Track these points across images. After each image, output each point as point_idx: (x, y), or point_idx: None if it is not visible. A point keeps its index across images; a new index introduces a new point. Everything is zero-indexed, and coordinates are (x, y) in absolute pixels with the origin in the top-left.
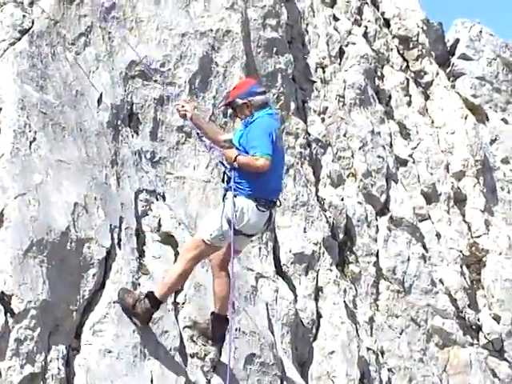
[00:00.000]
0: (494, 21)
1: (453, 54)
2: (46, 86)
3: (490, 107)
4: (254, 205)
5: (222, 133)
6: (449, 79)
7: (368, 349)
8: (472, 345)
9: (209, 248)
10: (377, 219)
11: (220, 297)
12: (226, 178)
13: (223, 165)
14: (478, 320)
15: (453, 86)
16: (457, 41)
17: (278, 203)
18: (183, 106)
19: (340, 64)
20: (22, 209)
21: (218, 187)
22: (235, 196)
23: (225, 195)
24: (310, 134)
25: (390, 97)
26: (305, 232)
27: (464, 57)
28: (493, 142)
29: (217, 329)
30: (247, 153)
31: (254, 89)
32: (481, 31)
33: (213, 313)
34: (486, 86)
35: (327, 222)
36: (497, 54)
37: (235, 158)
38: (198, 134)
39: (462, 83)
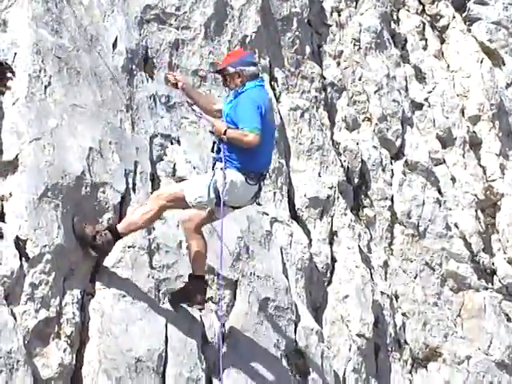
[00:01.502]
0: None
1: None
2: (60, 30)
3: (506, 52)
4: (244, 178)
5: (215, 102)
6: (465, 24)
7: (382, 293)
8: (486, 289)
9: (185, 205)
10: (392, 163)
11: (197, 257)
12: (215, 148)
13: (213, 134)
14: (493, 264)
15: (469, 31)
16: None
17: (266, 175)
18: (174, 75)
19: (356, 8)
20: (37, 153)
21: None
22: (225, 168)
23: (214, 164)
24: (325, 78)
25: (405, 40)
26: (319, 176)
27: (480, 1)
28: (508, 86)
29: (196, 290)
30: (235, 124)
31: (246, 58)
32: None
33: (190, 275)
34: (502, 31)
35: (342, 166)
36: None
37: (224, 131)
38: (187, 102)
39: (477, 28)
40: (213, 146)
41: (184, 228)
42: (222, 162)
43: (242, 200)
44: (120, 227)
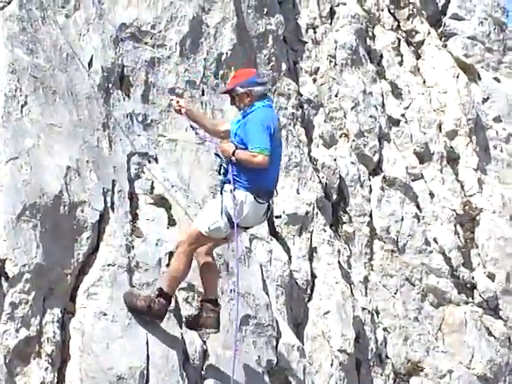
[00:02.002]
0: None
1: (444, 14)
2: (36, 49)
3: (482, 67)
4: (253, 197)
5: (221, 123)
6: (441, 39)
7: (363, 309)
8: (467, 303)
9: (206, 239)
10: (370, 179)
11: (209, 280)
12: (222, 170)
13: (219, 157)
14: (473, 278)
15: (445, 46)
16: (448, 0)
17: (275, 193)
18: (178, 102)
19: (331, 24)
20: (14, 173)
21: (210, 149)
22: (234, 189)
23: (222, 187)
24: (301, 95)
25: (381, 56)
26: (298, 193)
27: (455, 17)
28: (485, 100)
29: (209, 313)
30: (244, 144)
31: (255, 79)
32: None
33: (203, 299)
34: (478, 46)
35: (320, 182)
36: (488, 14)
37: (233, 152)
38: (191, 126)
39: (453, 43)
40: (219, 169)
41: (196, 252)
42: (230, 183)
43: (253, 220)
44: (166, 289)
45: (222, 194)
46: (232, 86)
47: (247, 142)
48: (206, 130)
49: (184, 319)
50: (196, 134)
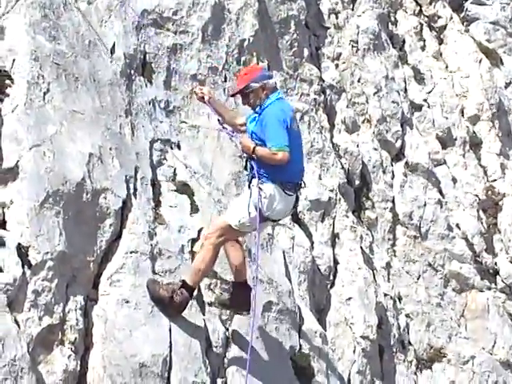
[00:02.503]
0: None
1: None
2: (58, 36)
3: (505, 52)
4: (281, 189)
5: (239, 116)
6: (462, 24)
7: (385, 295)
8: (489, 289)
9: (235, 232)
10: (392, 165)
11: (237, 264)
12: (248, 166)
13: (244, 152)
14: (496, 264)
15: (467, 31)
16: None
17: (302, 184)
18: (201, 89)
19: (353, 9)
20: (37, 160)
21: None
22: (261, 183)
23: (250, 182)
24: (323, 81)
25: (403, 41)
26: (320, 179)
27: (477, 1)
28: (507, 85)
29: (240, 296)
30: (261, 141)
31: (265, 72)
32: None
33: (233, 282)
34: (500, 31)
35: (342, 168)
36: None
37: (253, 149)
38: (218, 120)
39: (475, 28)
40: (246, 164)
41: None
42: (256, 178)
43: (282, 212)
44: (190, 281)
45: (249, 188)
46: (246, 83)
47: (265, 139)
48: (224, 120)
49: (215, 298)
50: (223, 127)
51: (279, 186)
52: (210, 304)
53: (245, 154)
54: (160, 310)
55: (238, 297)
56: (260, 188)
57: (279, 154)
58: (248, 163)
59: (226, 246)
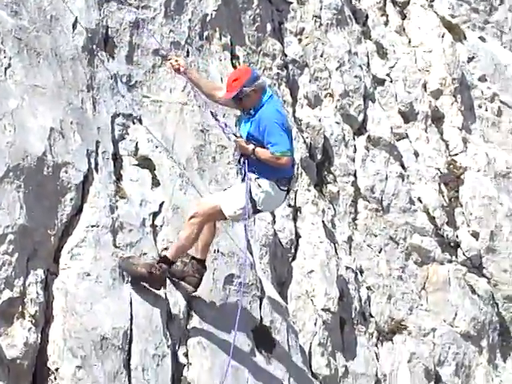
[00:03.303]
0: None
1: None
2: (20, 11)
3: (468, 27)
4: (276, 185)
5: (219, 89)
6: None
7: (347, 268)
8: (451, 262)
9: (222, 217)
10: (354, 139)
11: (204, 243)
12: (242, 160)
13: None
14: (457, 237)
15: (431, 6)
16: None
17: (294, 178)
18: (176, 61)
19: None
20: None
21: (195, 110)
22: (258, 178)
23: (244, 175)
24: (286, 55)
25: (366, 17)
26: None
27: None
28: (470, 60)
29: (193, 272)
30: (258, 141)
31: (254, 73)
32: None
33: (192, 257)
34: (464, 6)
35: (305, 142)
36: None
37: (252, 151)
38: (211, 112)
39: (440, 3)
40: (240, 158)
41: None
42: (253, 173)
43: (275, 205)
44: (170, 255)
45: (244, 181)
46: (238, 89)
47: (266, 143)
48: (202, 92)
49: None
50: (216, 120)
51: (274, 182)
52: (171, 276)
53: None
54: (121, 281)
55: (191, 272)
56: (258, 184)
57: (283, 159)
58: (242, 159)
59: (203, 223)
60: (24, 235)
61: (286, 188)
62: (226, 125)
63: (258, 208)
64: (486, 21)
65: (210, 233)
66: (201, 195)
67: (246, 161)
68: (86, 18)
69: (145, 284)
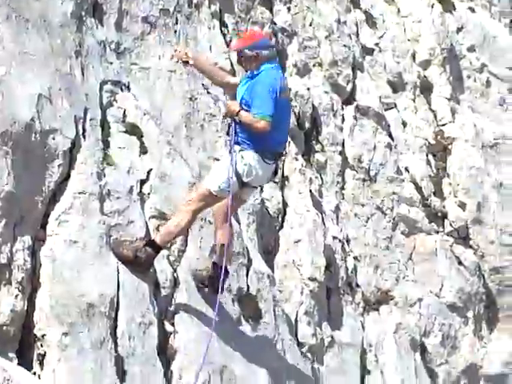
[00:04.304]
0: None
1: None
2: None
3: None
4: (261, 158)
5: (230, 76)
6: None
7: (334, 237)
8: (437, 232)
9: (214, 199)
10: (343, 108)
11: (220, 246)
12: (231, 132)
13: (226, 116)
14: (444, 207)
15: None
16: None
17: (284, 154)
18: (186, 54)
19: None
20: None
21: (184, 77)
22: (242, 150)
23: (231, 148)
24: (275, 24)
25: None
26: None
27: None
28: (459, 30)
29: (213, 278)
30: (249, 106)
31: (263, 42)
32: None
33: (213, 262)
34: None
35: (293, 111)
36: None
37: (237, 112)
38: (202, 84)
39: None
40: (228, 129)
41: (214, 218)
42: (239, 144)
43: (261, 179)
44: (158, 240)
45: (231, 153)
46: (240, 47)
47: (252, 106)
48: (213, 81)
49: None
50: (207, 92)
51: (259, 155)
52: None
53: (229, 118)
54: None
55: (215, 278)
56: (242, 156)
57: (261, 122)
58: (231, 128)
59: (216, 227)
60: (11, 202)
61: (272, 162)
62: (217, 97)
63: (244, 181)
64: None
65: (224, 235)
66: (187, 163)
67: (234, 127)
68: None
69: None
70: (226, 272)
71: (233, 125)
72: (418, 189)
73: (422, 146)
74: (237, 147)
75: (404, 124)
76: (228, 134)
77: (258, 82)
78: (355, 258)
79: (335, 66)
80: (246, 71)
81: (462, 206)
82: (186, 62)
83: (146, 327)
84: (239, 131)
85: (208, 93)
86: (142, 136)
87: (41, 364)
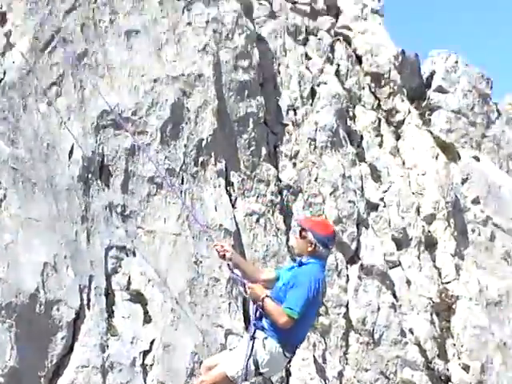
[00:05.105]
0: (474, 46)
1: (429, 86)
2: (17, 139)
3: (466, 141)
4: (282, 350)
5: (262, 271)
6: (424, 114)
7: None
8: None
9: (228, 382)
10: (347, 268)
11: None
12: (258, 315)
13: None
14: (447, 370)
15: (429, 120)
16: (433, 73)
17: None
18: (222, 246)
19: (312, 105)
20: None
21: (189, 241)
22: (266, 338)
23: (254, 332)
24: (281, 181)
25: (361, 138)
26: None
27: (440, 89)
28: (464, 181)
29: None
30: (281, 299)
31: (328, 240)
32: (457, 62)
33: None
34: (462, 120)
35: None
36: (472, 85)
37: (262, 299)
38: (228, 265)
39: (437, 117)
40: (255, 312)
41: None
42: (262, 330)
43: (275, 370)
44: None
45: (252, 339)
46: (309, 227)
47: (285, 297)
48: (245, 275)
49: None
50: (232, 272)
51: (281, 346)
52: None
53: (255, 304)
54: None
55: None
56: (264, 344)
57: (285, 318)
58: (252, 309)
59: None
60: (14, 377)
61: (290, 356)
62: (242, 278)
63: (261, 371)
64: (483, 135)
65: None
66: (191, 332)
67: (254, 310)
68: (82, 144)
69: None
70: None
71: (253, 307)
72: (422, 351)
73: (427, 306)
74: (260, 334)
75: (408, 282)
76: (255, 316)
77: (301, 274)
78: None
79: (340, 223)
80: (295, 255)
81: (466, 368)
82: (223, 256)
83: None
84: (265, 316)
85: (233, 272)
86: (146, 303)
87: None
